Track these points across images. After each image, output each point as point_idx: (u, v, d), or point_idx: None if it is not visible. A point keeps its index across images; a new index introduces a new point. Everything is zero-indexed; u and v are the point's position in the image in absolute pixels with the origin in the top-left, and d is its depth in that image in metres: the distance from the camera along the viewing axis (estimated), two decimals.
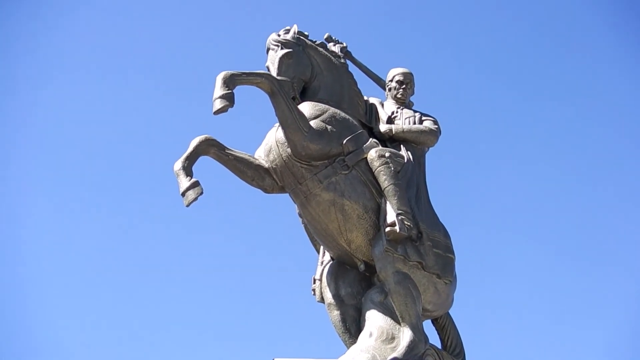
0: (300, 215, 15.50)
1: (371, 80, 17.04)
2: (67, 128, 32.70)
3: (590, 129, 32.35)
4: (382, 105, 16.25)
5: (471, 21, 34.25)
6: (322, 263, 15.42)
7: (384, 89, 16.79)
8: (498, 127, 33.22)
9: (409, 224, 14.25)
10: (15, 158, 30.41)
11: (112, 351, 28.53)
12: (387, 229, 14.10)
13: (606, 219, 30.36)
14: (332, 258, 15.26)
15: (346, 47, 16.66)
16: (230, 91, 13.88)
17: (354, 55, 16.88)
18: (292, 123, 14.21)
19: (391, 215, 14.23)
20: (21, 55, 29.94)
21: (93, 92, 33.07)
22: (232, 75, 14.04)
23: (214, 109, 13.80)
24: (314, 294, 15.42)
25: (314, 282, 15.46)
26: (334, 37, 16.70)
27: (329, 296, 14.83)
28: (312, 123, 14.42)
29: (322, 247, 15.49)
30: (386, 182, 14.45)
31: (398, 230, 14.03)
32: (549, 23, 32.73)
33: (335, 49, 16.34)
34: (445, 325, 15.35)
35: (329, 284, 14.92)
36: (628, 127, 30.49)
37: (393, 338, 13.92)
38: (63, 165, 32.59)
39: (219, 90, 13.88)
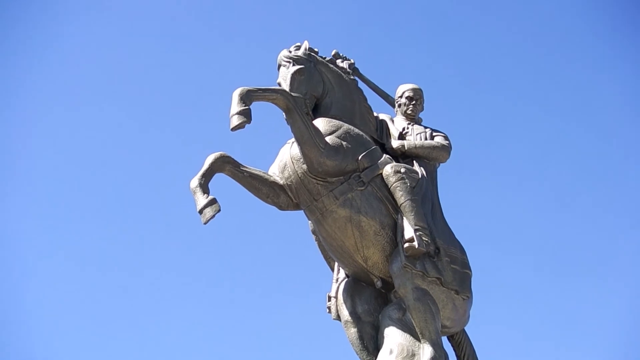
0: (314, 232, 15.40)
1: (378, 97, 17.03)
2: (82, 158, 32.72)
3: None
4: (392, 121, 16.24)
5: (475, 35, 34.42)
6: (337, 280, 15.30)
7: (392, 105, 16.79)
8: (505, 142, 33.27)
9: (426, 239, 14.20)
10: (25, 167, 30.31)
11: None
12: (406, 245, 14.03)
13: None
14: (347, 275, 15.15)
15: (354, 63, 16.62)
16: (247, 107, 13.78)
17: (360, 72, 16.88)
18: (309, 139, 14.12)
19: (409, 231, 14.16)
20: (22, 55, 29.87)
21: (108, 111, 33.13)
22: (249, 91, 13.94)
23: (232, 125, 13.68)
24: (329, 312, 15.28)
25: (329, 300, 15.32)
26: (341, 54, 16.65)
27: (345, 314, 14.71)
28: (328, 139, 14.35)
29: (336, 264, 15.37)
30: (402, 197, 14.39)
31: (417, 246, 13.96)
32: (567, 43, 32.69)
33: (344, 65, 16.30)
34: (461, 342, 15.27)
35: (345, 301, 14.80)
36: None
37: (413, 355, 13.83)
38: (84, 189, 32.58)
39: (235, 106, 13.76)
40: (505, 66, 34.16)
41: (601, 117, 31.91)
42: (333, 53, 16.37)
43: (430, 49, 34.77)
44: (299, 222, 15.64)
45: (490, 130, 33.57)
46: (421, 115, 16.59)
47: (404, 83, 16.77)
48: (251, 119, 13.75)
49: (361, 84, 16.38)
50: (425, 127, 16.17)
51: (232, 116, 13.73)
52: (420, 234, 14.13)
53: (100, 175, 32.90)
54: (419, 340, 13.94)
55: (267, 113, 14.92)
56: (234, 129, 13.69)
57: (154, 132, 33.60)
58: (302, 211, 14.93)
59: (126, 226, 32.66)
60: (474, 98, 33.73)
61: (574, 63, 32.72)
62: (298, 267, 30.81)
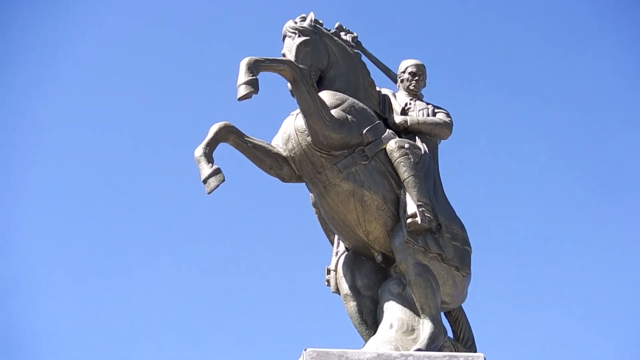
0: (314, 205, 15.38)
1: (380, 71, 16.97)
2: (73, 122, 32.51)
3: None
4: (395, 96, 16.21)
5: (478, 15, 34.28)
6: (336, 254, 15.29)
7: (394, 81, 16.73)
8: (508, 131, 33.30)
9: (429, 215, 14.23)
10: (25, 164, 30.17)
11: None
12: (409, 220, 14.05)
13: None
14: (347, 249, 15.16)
15: (357, 37, 16.49)
16: (254, 77, 13.67)
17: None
18: (315, 112, 14.05)
19: (411, 207, 14.17)
20: (23, 53, 29.63)
21: (99, 84, 33.05)
22: (257, 61, 13.82)
23: (239, 95, 13.58)
24: (328, 285, 15.30)
25: (328, 273, 15.34)
26: (344, 27, 16.53)
27: (345, 287, 14.73)
28: (333, 112, 14.30)
29: (336, 238, 15.37)
30: (406, 173, 14.39)
31: (419, 222, 13.99)
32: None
33: (347, 38, 16.19)
34: (458, 318, 15.36)
35: (345, 275, 14.81)
36: None
37: (413, 330, 13.90)
38: (71, 166, 32.51)
39: (243, 76, 13.65)
40: (507, 42, 34.21)
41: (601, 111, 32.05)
42: (336, 25, 16.22)
43: (432, 24, 34.82)
44: (300, 194, 15.66)
45: (491, 100, 33.52)
46: (422, 91, 16.58)
47: (406, 58, 16.73)
48: (258, 89, 13.67)
49: (364, 58, 16.32)
50: (428, 104, 16.14)
51: (239, 86, 13.62)
52: (423, 210, 14.14)
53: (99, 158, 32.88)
54: (419, 316, 14.00)
55: (270, 83, 14.82)
56: (241, 98, 13.59)
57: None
58: (303, 184, 14.91)
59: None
60: (474, 76, 33.78)
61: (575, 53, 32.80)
62: (297, 239, 30.85)
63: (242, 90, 13.55)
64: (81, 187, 32.46)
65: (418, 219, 14.00)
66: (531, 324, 27.78)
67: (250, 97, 13.63)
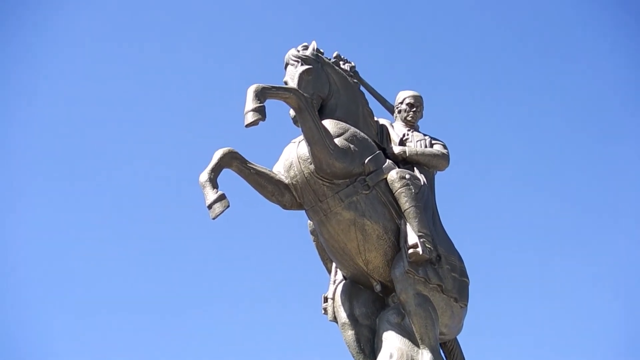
0: (312, 233, 15.41)
1: (376, 101, 17.09)
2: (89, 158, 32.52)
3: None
4: (392, 126, 16.34)
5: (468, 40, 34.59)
6: (334, 282, 15.31)
7: (389, 111, 16.88)
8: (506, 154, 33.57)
9: (430, 246, 14.34)
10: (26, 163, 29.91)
11: None
12: (410, 250, 14.13)
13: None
14: (344, 277, 15.17)
15: (354, 66, 16.62)
16: (262, 104, 13.71)
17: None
18: (319, 140, 14.12)
19: (412, 237, 14.27)
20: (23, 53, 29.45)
21: (112, 105, 33.09)
22: (264, 88, 13.87)
23: (246, 122, 13.60)
24: (325, 313, 15.28)
25: (325, 301, 15.33)
26: (342, 57, 16.64)
27: (343, 316, 14.72)
28: (337, 141, 14.37)
29: (334, 266, 15.38)
30: (407, 204, 14.50)
31: (421, 252, 14.08)
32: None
33: (345, 67, 16.31)
34: (452, 349, 15.45)
35: (343, 304, 14.81)
36: None
37: None
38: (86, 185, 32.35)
39: (250, 103, 13.68)
40: (496, 70, 34.51)
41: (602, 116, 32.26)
42: (335, 55, 16.34)
43: (426, 55, 35.06)
44: (298, 222, 15.68)
45: (485, 135, 33.78)
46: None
47: (402, 90, 16.88)
48: (265, 117, 13.70)
49: (361, 88, 16.45)
50: (425, 135, 16.31)
51: (246, 113, 13.64)
52: (424, 241, 14.26)
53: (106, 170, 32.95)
54: (418, 346, 14.05)
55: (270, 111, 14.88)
56: (249, 125, 13.61)
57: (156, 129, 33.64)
58: (303, 211, 14.93)
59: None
60: (467, 105, 34.06)
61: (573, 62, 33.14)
62: (295, 266, 30.94)
63: (250, 117, 13.57)
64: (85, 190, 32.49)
65: (419, 249, 14.10)
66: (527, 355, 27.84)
67: (258, 124, 13.65)
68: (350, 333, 14.60)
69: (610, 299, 28.16)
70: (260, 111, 13.64)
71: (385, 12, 34.55)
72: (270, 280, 31.29)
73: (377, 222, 14.37)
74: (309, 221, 15.27)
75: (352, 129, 14.84)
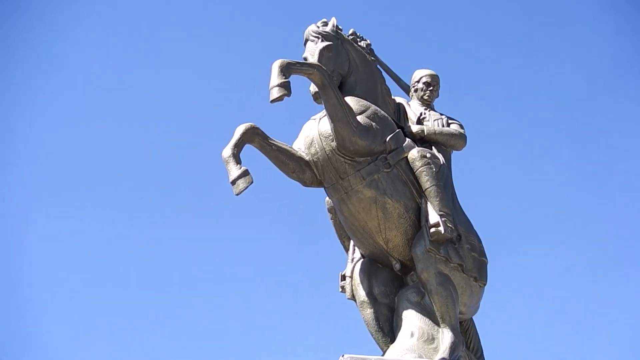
0: (330, 211, 15.32)
1: (391, 80, 16.98)
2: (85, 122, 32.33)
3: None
4: (409, 105, 16.27)
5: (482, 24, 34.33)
6: (352, 260, 15.23)
7: (404, 90, 16.78)
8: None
9: (451, 225, 14.32)
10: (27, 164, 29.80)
11: None
12: (432, 229, 14.10)
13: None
14: (362, 255, 15.11)
15: (370, 44, 16.49)
16: (287, 80, 13.58)
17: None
18: (343, 117, 14.01)
19: (433, 216, 14.24)
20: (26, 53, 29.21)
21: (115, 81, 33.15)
22: (289, 63, 13.73)
23: (271, 97, 13.46)
24: (342, 291, 15.22)
25: (343, 279, 15.26)
26: (358, 34, 16.49)
27: (362, 294, 14.68)
28: (359, 118, 14.28)
29: (352, 244, 15.31)
30: (428, 182, 14.46)
31: (442, 232, 14.06)
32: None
33: (362, 44, 16.16)
34: (468, 329, 15.45)
35: (362, 282, 14.76)
36: None
37: (433, 339, 13.93)
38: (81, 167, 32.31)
39: (275, 78, 13.53)
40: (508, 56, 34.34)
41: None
42: (350, 32, 16.18)
43: (439, 36, 34.90)
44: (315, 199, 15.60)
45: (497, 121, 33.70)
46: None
47: (418, 68, 16.80)
48: (291, 92, 13.57)
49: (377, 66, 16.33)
50: (441, 114, 16.23)
51: (272, 88, 13.50)
52: (445, 220, 14.24)
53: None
54: (438, 325, 14.06)
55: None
56: (274, 101, 13.48)
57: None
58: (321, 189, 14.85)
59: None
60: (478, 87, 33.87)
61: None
62: (312, 245, 30.71)
63: (275, 93, 13.44)
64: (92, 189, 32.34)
65: (441, 228, 14.08)
66: (539, 335, 28.01)
67: (283, 99, 13.53)
68: (369, 311, 14.57)
69: (625, 276, 28.26)
70: (286, 86, 13.51)
71: None
72: (288, 259, 31.45)
73: (399, 201, 14.32)
74: (326, 198, 15.18)
75: (373, 107, 14.74)
